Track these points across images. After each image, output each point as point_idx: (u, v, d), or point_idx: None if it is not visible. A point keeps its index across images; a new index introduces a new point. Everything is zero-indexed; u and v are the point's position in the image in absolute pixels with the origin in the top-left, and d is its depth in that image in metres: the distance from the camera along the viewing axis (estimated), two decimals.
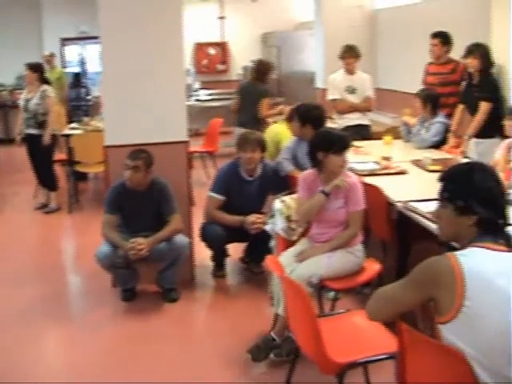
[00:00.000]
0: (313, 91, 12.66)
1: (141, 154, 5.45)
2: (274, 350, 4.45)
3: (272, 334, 4.50)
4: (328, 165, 4.54)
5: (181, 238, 5.50)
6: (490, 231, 2.66)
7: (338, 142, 4.53)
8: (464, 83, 7.23)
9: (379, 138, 7.65)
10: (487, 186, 2.66)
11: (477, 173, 2.69)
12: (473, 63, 6.78)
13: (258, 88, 9.14)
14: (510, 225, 2.76)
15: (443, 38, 7.55)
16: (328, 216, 4.63)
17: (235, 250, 6.33)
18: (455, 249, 2.68)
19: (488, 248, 2.60)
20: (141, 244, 5.28)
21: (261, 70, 9.27)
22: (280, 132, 7.01)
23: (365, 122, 8.19)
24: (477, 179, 2.67)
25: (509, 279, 2.51)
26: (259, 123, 8.79)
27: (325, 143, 4.54)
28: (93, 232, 6.38)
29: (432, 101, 7.22)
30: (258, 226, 5.58)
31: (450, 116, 7.31)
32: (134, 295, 5.71)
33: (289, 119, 7.03)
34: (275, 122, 7.70)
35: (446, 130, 7.16)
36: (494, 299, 2.47)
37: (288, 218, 4.72)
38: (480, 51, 6.76)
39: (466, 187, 2.68)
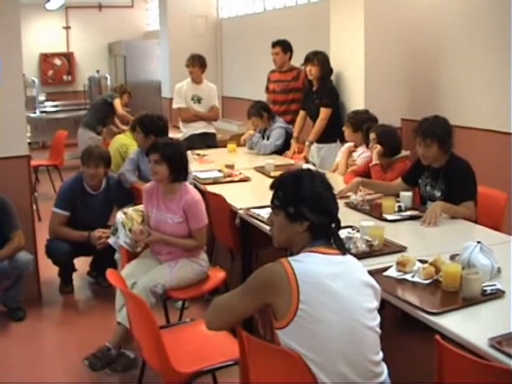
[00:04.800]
0: (160, 100, 12.67)
1: None
2: (109, 364, 4.40)
3: (107, 343, 4.44)
4: None
5: (24, 255, 5.34)
6: (322, 236, 2.73)
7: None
8: (305, 90, 7.41)
9: (225, 146, 7.74)
10: (316, 193, 2.72)
11: (305, 180, 2.75)
12: (312, 71, 6.95)
13: None
14: (341, 228, 2.85)
15: (283, 46, 7.70)
16: (166, 228, 4.60)
17: (82, 263, 6.23)
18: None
19: (320, 252, 2.67)
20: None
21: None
22: (126, 143, 6.94)
23: (210, 130, 8.21)
24: (305, 186, 2.72)
25: (342, 281, 2.60)
26: None
27: None
28: None
29: (266, 110, 7.35)
30: (104, 240, 5.51)
31: (292, 122, 7.48)
32: None
33: (133, 129, 6.97)
34: (121, 133, 7.61)
35: (288, 135, 7.33)
36: (328, 301, 2.54)
37: (131, 230, 4.67)
38: (318, 59, 6.93)
39: (295, 194, 2.73)
